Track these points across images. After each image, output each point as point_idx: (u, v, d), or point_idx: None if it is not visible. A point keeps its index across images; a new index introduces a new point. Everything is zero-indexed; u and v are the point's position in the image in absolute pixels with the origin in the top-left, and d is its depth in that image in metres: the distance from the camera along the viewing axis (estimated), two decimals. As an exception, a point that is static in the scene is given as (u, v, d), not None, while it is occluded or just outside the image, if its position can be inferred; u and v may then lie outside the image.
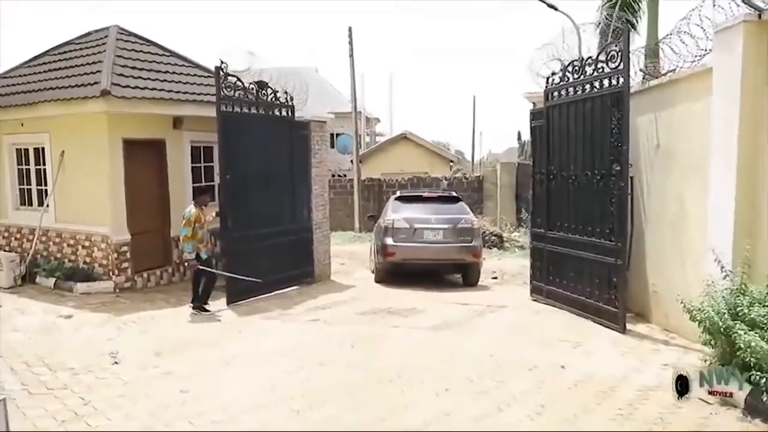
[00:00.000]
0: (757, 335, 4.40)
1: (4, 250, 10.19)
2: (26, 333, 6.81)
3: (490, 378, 5.33)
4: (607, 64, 7.10)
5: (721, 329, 4.70)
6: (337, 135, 29.12)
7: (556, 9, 13.24)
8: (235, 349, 6.31)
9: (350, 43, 21.27)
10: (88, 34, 10.98)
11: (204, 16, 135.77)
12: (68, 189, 9.51)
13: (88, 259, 9.41)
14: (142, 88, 9.04)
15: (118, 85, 8.69)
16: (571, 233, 7.82)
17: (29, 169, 10.17)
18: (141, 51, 10.35)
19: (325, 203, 10.87)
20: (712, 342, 4.95)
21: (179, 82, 10.08)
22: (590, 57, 7.53)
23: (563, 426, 4.37)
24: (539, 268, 8.69)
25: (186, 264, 9.79)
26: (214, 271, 8.22)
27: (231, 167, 8.39)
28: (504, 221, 17.76)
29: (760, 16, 5.33)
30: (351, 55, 21.27)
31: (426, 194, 11.52)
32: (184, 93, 9.81)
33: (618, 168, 6.87)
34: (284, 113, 9.58)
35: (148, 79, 9.45)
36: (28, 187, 10.26)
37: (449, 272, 11.09)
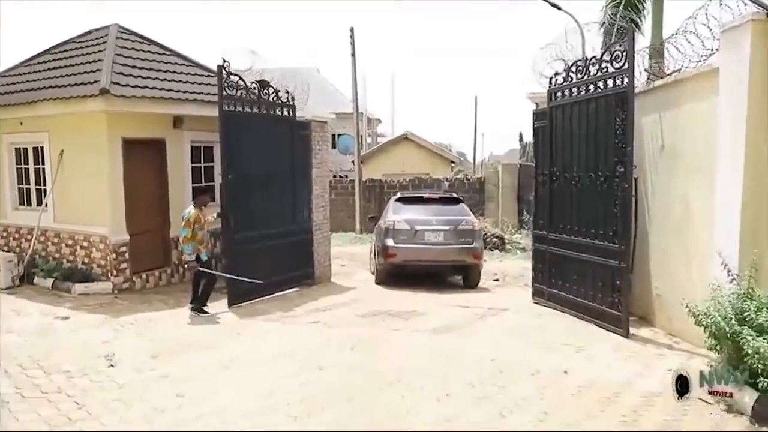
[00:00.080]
0: (765, 341, 4.31)
1: (3, 250, 10.12)
2: (22, 335, 6.73)
3: (492, 383, 5.24)
4: (611, 64, 7.03)
5: (728, 334, 4.61)
6: (339, 135, 29.05)
7: (559, 8, 13.19)
8: (233, 351, 6.23)
9: (352, 43, 21.20)
10: (89, 32, 10.91)
11: (205, 16, 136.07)
12: (67, 189, 9.45)
13: (86, 260, 9.34)
14: (141, 87, 8.97)
15: (118, 83, 8.62)
16: (573, 235, 7.73)
17: (28, 168, 10.10)
18: (141, 50, 10.27)
19: (325, 204, 10.80)
20: (718, 347, 4.86)
21: (179, 81, 10.01)
22: (594, 57, 7.45)
23: (567, 433, 4.28)
24: (541, 271, 8.61)
25: (186, 265, 9.72)
26: (214, 272, 8.13)
27: (233, 167, 8.32)
28: (505, 223, 17.68)
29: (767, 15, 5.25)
30: (353, 55, 21.19)
31: (427, 195, 11.47)
32: (185, 92, 9.73)
33: (622, 169, 6.79)
34: (285, 113, 9.51)
35: (148, 78, 9.37)
36: (27, 186, 10.20)
37: (450, 274, 11.02)
